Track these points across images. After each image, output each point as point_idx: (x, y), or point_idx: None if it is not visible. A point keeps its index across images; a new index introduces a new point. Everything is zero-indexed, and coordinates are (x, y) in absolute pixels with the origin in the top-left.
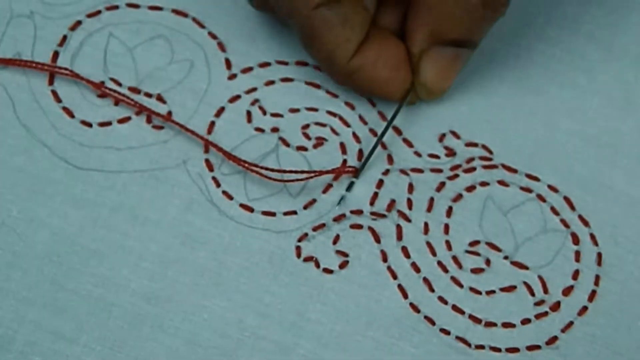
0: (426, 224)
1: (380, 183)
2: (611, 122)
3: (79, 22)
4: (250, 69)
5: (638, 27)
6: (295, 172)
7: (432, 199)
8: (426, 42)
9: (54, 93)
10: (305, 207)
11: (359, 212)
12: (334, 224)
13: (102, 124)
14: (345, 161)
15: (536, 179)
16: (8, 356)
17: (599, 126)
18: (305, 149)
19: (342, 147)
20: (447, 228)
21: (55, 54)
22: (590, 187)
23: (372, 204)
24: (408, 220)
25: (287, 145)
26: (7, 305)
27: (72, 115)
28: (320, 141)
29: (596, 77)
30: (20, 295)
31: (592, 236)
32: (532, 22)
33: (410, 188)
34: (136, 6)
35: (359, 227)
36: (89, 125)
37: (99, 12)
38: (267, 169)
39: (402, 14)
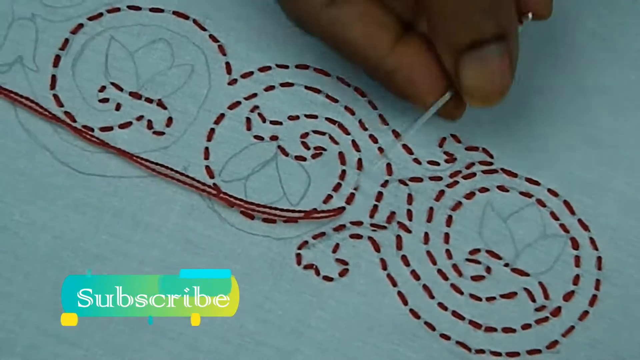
0: (426, 234)
1: (379, 196)
2: (613, 123)
3: (80, 25)
4: (250, 73)
5: None
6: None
7: (431, 209)
8: (453, 53)
9: (56, 97)
10: (305, 217)
11: (358, 224)
12: (334, 233)
13: (103, 129)
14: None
15: (536, 183)
16: (10, 359)
17: (601, 127)
18: (304, 159)
19: (341, 157)
20: (447, 237)
21: (57, 58)
22: (591, 190)
23: (371, 216)
24: (408, 231)
25: (286, 154)
26: (9, 308)
27: (73, 120)
28: (319, 151)
29: (599, 78)
30: (22, 299)
31: (592, 240)
32: (534, 22)
33: (410, 199)
34: (137, 8)
35: (359, 237)
36: (91, 130)
37: (100, 14)
38: (259, 206)
39: None
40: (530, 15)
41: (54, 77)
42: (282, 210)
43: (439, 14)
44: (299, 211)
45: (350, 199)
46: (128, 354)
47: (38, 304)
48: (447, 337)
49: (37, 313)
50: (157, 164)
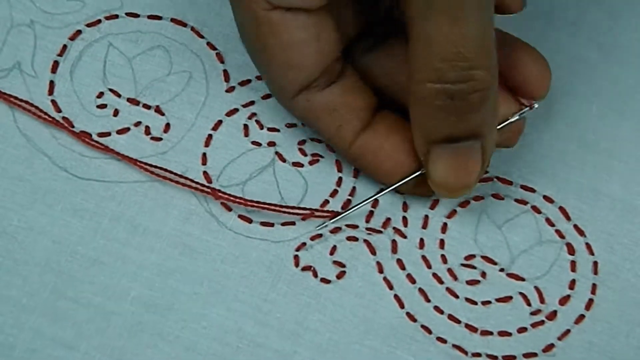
0: (421, 240)
1: (375, 203)
2: (609, 128)
3: (78, 32)
4: (248, 81)
5: (637, 31)
6: (274, 205)
7: (426, 217)
8: (424, 144)
9: (54, 103)
10: (303, 219)
11: (354, 227)
12: (330, 235)
13: (101, 135)
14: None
15: (532, 190)
16: None
17: (597, 132)
18: (301, 165)
19: (338, 164)
20: (442, 243)
21: (55, 64)
22: (586, 195)
23: (367, 221)
24: (403, 236)
25: (284, 160)
26: (7, 312)
27: (72, 125)
28: (316, 158)
29: (594, 82)
30: (21, 303)
31: (588, 245)
32: (531, 26)
33: (405, 206)
34: (136, 15)
35: (355, 239)
36: (89, 135)
37: (99, 21)
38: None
39: None
40: (535, 104)
41: (52, 83)
42: (280, 206)
43: (418, 105)
44: (296, 207)
45: (346, 204)
46: (126, 357)
47: (36, 308)
48: (444, 341)
49: (35, 317)
50: (156, 166)
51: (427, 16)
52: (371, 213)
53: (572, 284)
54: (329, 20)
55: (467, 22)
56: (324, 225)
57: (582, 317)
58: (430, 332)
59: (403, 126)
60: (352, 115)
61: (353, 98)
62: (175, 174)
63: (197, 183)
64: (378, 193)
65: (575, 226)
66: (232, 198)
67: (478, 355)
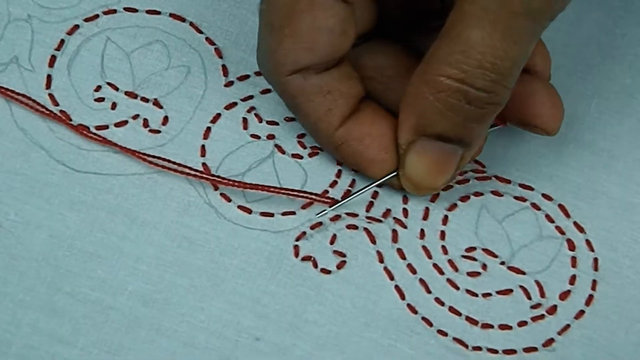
0: (422, 230)
1: (375, 194)
2: (608, 127)
3: (76, 27)
4: (246, 76)
5: (636, 30)
6: (274, 187)
7: (427, 209)
8: (410, 133)
9: (51, 96)
10: (303, 208)
11: (354, 215)
12: (330, 223)
13: (99, 127)
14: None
15: (530, 188)
16: (6, 359)
17: (595, 131)
18: (300, 157)
19: None
20: (443, 234)
21: (53, 58)
22: (585, 194)
23: (367, 210)
24: (404, 226)
25: (283, 152)
26: (4, 308)
27: (69, 119)
28: (315, 150)
29: (593, 82)
30: (18, 298)
31: (588, 242)
32: None
33: (405, 199)
34: (134, 10)
35: (355, 227)
36: (86, 128)
37: (96, 16)
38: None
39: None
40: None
41: (49, 77)
42: (279, 189)
43: (425, 96)
44: (295, 190)
45: (346, 195)
46: (124, 352)
47: (33, 304)
48: (445, 334)
49: (32, 312)
50: (155, 156)
51: (478, 22)
52: (371, 203)
53: (573, 280)
54: (353, 14)
55: (517, 43)
56: (325, 212)
57: (582, 312)
58: (431, 324)
59: (385, 116)
60: (343, 100)
61: (346, 85)
62: (175, 163)
63: (195, 171)
64: (378, 180)
65: (575, 223)
66: (231, 182)
67: (479, 348)
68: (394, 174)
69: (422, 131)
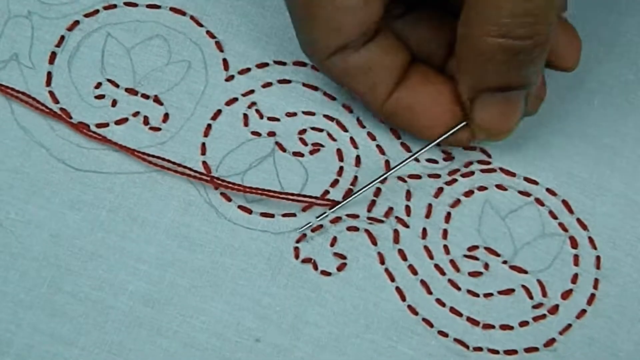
0: (424, 230)
1: (377, 191)
2: (611, 123)
3: (76, 22)
4: (247, 69)
5: (639, 26)
6: (274, 192)
7: (430, 206)
8: (471, 91)
9: (51, 94)
10: (304, 210)
11: (355, 216)
12: (331, 225)
13: (99, 125)
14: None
15: (534, 182)
16: (6, 359)
17: (599, 127)
18: (301, 154)
19: (339, 153)
20: (445, 233)
21: (53, 55)
22: (589, 190)
23: (369, 210)
24: (406, 226)
25: (284, 150)
26: (4, 307)
27: (69, 117)
28: (316, 147)
29: (597, 78)
30: (18, 298)
31: (591, 240)
32: None
33: (408, 195)
34: (134, 5)
35: (356, 229)
36: (87, 126)
37: (96, 11)
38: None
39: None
40: None
41: (49, 74)
42: (279, 193)
43: (474, 59)
44: (295, 194)
45: (347, 194)
46: (124, 352)
47: (34, 303)
48: (445, 334)
49: (32, 312)
50: (155, 156)
51: None
52: (373, 202)
53: (575, 278)
54: None
55: None
56: (324, 215)
57: (583, 311)
58: (431, 325)
59: (435, 77)
60: (386, 73)
61: (388, 57)
62: (174, 163)
63: (195, 172)
64: (380, 177)
65: (579, 220)
66: (230, 185)
67: (479, 349)
68: (458, 127)
69: (482, 89)
